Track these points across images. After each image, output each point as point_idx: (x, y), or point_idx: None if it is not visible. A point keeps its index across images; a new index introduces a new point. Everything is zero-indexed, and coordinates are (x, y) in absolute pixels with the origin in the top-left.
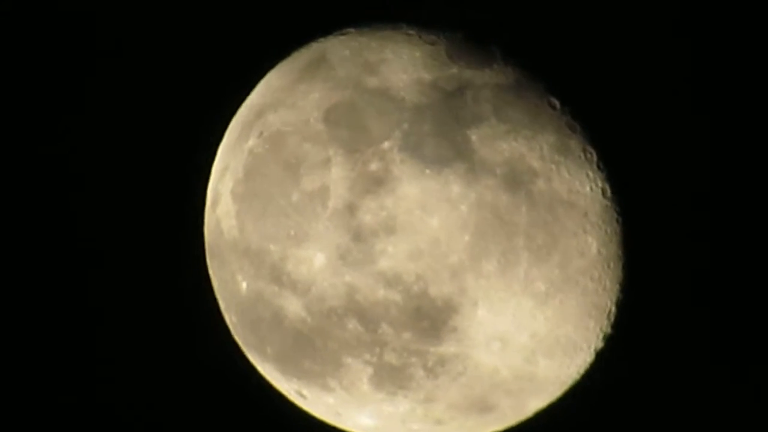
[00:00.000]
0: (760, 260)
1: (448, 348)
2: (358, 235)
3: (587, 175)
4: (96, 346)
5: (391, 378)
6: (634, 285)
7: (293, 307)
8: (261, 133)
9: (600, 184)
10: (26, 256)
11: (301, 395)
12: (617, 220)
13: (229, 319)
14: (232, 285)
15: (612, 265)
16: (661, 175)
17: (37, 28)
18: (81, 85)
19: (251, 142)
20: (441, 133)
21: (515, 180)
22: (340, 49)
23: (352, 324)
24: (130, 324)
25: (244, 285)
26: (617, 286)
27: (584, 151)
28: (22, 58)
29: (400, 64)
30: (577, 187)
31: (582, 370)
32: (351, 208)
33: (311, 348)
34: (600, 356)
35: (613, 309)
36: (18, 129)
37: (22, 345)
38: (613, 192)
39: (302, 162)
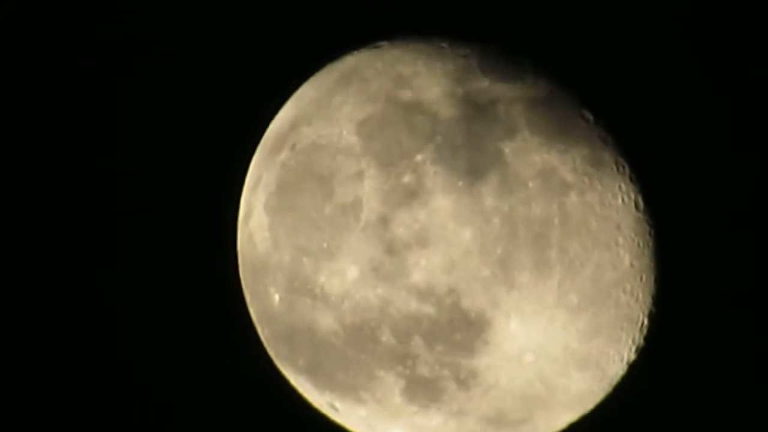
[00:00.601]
0: None
1: (480, 360)
2: (391, 248)
3: (620, 188)
4: (126, 358)
5: (424, 391)
6: (666, 297)
7: (326, 319)
8: (294, 146)
9: (632, 197)
10: (58, 264)
11: (334, 408)
12: (649, 233)
13: (262, 331)
14: (264, 297)
15: (644, 277)
16: (693, 188)
17: (75, 44)
18: (114, 97)
19: (284, 155)
20: (474, 145)
21: (548, 192)
22: (372, 63)
23: (385, 336)
24: (161, 336)
25: (276, 297)
26: (650, 299)
27: (617, 163)
28: (60, 75)
29: (433, 78)
30: (610, 199)
31: (614, 383)
32: (384, 221)
33: (344, 360)
34: (632, 369)
35: (646, 321)
36: (55, 141)
37: (50, 354)
38: (645, 204)
39: (335, 175)
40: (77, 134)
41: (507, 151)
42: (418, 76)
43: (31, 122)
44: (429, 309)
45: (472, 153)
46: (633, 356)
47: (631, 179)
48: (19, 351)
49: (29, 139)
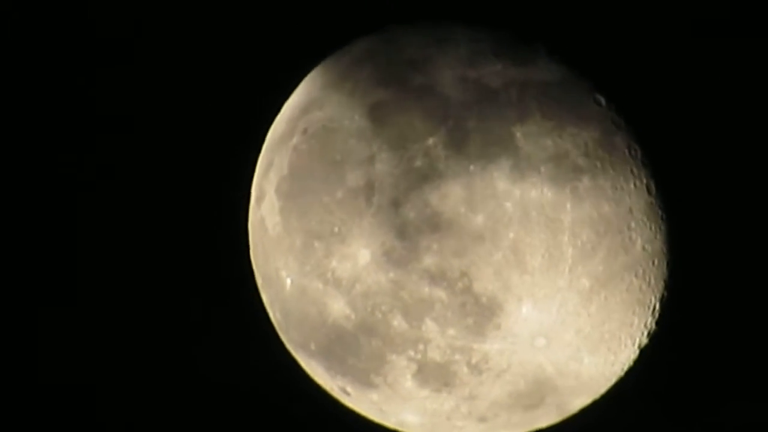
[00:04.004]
0: None
1: (492, 345)
2: (403, 232)
3: (632, 172)
4: (138, 342)
5: (435, 375)
6: (678, 281)
7: (337, 303)
8: (305, 130)
9: (644, 181)
10: (74, 250)
11: (345, 392)
12: (662, 217)
13: (273, 315)
14: (276, 282)
15: (656, 261)
16: (705, 172)
17: (85, 32)
18: (126, 83)
19: (296, 139)
20: (486, 129)
21: (560, 176)
22: (384, 47)
23: (397, 321)
24: (173, 321)
25: (288, 282)
26: (662, 283)
27: (629, 147)
28: (74, 61)
29: (445, 61)
30: (622, 183)
31: (626, 367)
32: (396, 205)
33: (355, 345)
34: (644, 353)
35: (658, 305)
36: (68, 124)
37: (63, 343)
38: (657, 189)
39: (347, 159)
40: (95, 123)
41: (519, 135)
42: (429, 60)
43: (45, 118)
44: (440, 293)
45: (483, 137)
46: (645, 340)
47: (643, 163)
48: (23, 350)
49: (49, 133)
